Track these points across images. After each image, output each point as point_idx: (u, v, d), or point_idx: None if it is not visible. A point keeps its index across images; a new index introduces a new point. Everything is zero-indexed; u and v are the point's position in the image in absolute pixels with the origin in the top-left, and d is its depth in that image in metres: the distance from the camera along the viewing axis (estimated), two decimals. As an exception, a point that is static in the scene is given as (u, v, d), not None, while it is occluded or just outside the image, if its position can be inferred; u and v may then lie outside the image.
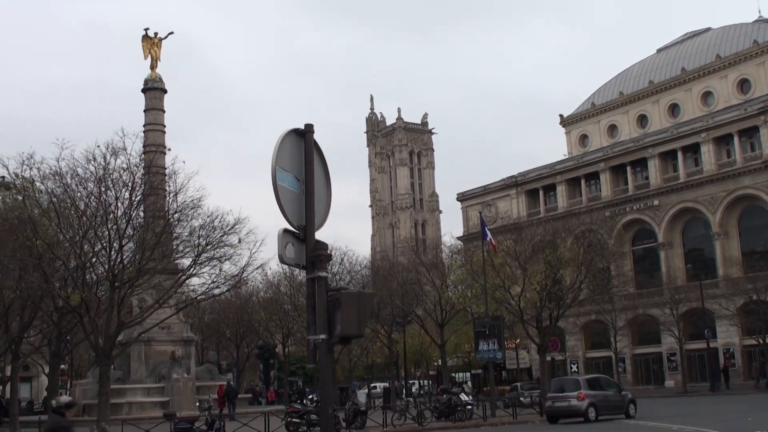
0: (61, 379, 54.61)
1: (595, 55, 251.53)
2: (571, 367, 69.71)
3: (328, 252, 7.57)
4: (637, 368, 69.10)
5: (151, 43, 46.95)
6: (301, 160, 7.44)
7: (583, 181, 75.80)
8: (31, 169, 28.08)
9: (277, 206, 7.20)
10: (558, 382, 35.06)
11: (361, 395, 44.33)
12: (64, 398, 11.59)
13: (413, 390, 62.27)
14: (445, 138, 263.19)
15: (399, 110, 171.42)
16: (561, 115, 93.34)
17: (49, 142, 56.24)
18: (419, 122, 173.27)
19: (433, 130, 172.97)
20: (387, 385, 59.86)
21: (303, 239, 7.33)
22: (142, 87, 47.29)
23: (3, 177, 28.88)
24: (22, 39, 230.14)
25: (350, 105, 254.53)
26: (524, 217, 74.95)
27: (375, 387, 72.01)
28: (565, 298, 46.85)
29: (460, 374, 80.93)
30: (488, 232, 43.91)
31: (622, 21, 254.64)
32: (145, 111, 46.64)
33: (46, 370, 47.38)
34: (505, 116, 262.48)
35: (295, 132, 7.49)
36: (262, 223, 70.00)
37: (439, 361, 63.66)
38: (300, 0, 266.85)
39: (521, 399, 40.65)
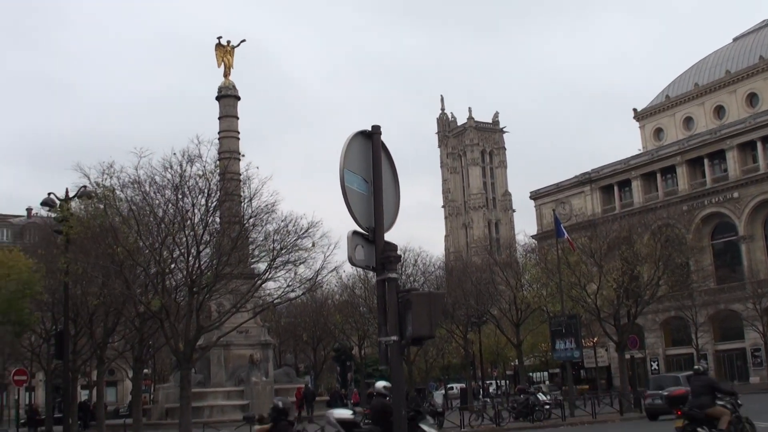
0: (145, 384, 55.91)
1: (670, 46, 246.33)
2: (651, 365, 68.36)
3: (398, 253, 7.56)
4: (720, 365, 67.35)
5: (224, 51, 47.82)
6: (369, 161, 7.43)
7: (658, 176, 74.35)
8: (111, 178, 28.85)
9: (347, 210, 7.23)
10: (657, 380, 35.10)
11: (438, 396, 44.27)
12: (287, 402, 12.14)
13: (490, 390, 61.90)
14: (517, 136, 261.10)
15: (470, 110, 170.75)
16: (635, 109, 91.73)
17: (127, 152, 57.87)
18: (490, 121, 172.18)
19: (504, 129, 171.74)
20: (463, 385, 59.64)
21: (372, 241, 7.33)
22: (216, 95, 48.16)
23: (85, 186, 29.70)
24: (101, 56, 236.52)
25: (420, 106, 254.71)
26: (599, 214, 73.78)
27: (452, 388, 71.82)
28: (642, 295, 45.94)
29: (538, 374, 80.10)
30: (564, 230, 43.42)
31: (697, 9, 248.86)
32: (219, 118, 47.48)
33: (130, 375, 48.63)
34: (577, 112, 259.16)
35: (362, 134, 7.47)
36: (335, 226, 70.03)
37: (516, 361, 63.13)
38: (368, 3, 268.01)
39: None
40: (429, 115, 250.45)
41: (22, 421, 40.60)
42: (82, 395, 54.11)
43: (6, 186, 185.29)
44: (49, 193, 31.83)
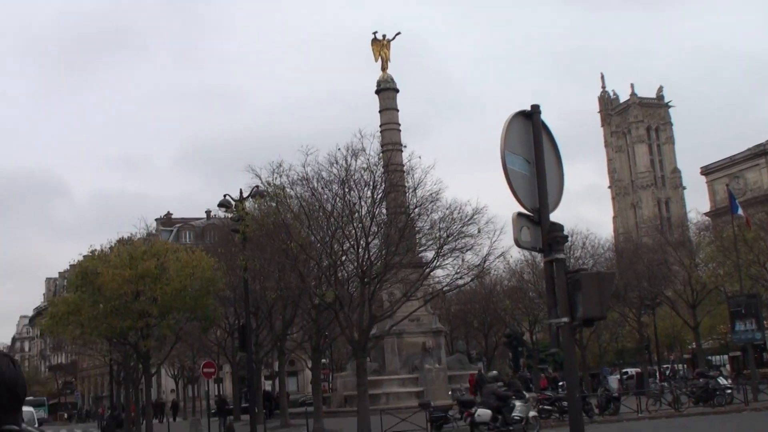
0: (323, 373, 57.78)
1: None
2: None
3: (565, 234, 7.53)
4: None
5: (381, 45, 48.61)
6: (530, 141, 7.42)
7: None
8: (281, 176, 30.08)
9: (509, 192, 7.26)
10: None
11: (613, 381, 43.28)
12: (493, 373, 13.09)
13: (667, 374, 59.75)
14: (683, 110, 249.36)
15: (632, 86, 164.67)
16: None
17: (294, 150, 59.84)
18: (654, 96, 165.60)
19: (669, 103, 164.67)
20: (639, 370, 57.94)
21: (538, 222, 7.34)
22: (375, 89, 49.04)
23: (257, 186, 31.05)
24: (263, 62, 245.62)
25: (579, 86, 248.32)
26: (777, 187, 69.69)
27: (626, 372, 69.88)
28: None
29: (717, 357, 76.61)
30: (739, 206, 41.34)
31: None
32: (379, 111, 48.30)
33: (309, 365, 50.47)
34: (747, 81, 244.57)
35: (522, 114, 7.47)
36: (500, 212, 69.85)
37: (693, 344, 60.71)
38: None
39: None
40: (588, 94, 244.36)
41: (213, 411, 42.94)
42: (266, 385, 56.63)
43: (186, 191, 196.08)
44: (224, 195, 33.44)
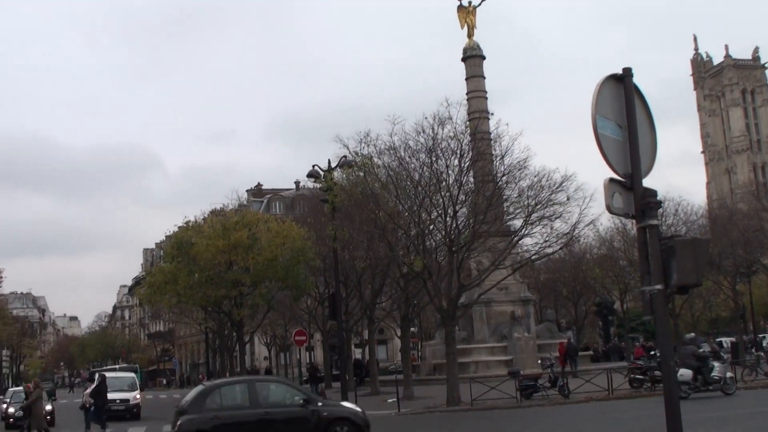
0: (412, 341, 58.24)
1: None
2: None
3: (658, 199, 7.40)
4: None
5: (466, 12, 48.14)
6: (622, 106, 7.29)
7: None
8: (368, 146, 30.31)
9: (601, 157, 7.17)
10: None
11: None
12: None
13: (763, 344, 58.02)
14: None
15: (726, 47, 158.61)
16: None
17: (381, 120, 60.05)
18: (749, 58, 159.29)
19: (766, 65, 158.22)
20: (733, 339, 56.49)
21: (630, 187, 7.24)
22: (461, 56, 48.64)
23: (345, 156, 31.33)
24: (349, 32, 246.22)
25: (671, 49, 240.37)
26: None
27: (720, 342, 68.18)
28: None
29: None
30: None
31: None
32: (466, 79, 47.92)
33: (398, 333, 50.94)
34: None
35: (614, 78, 7.34)
36: (588, 179, 68.81)
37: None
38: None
39: None
40: (680, 57, 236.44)
41: (304, 378, 43.85)
42: (356, 353, 57.42)
43: (275, 163, 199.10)
44: (313, 166, 33.85)
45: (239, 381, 21.26)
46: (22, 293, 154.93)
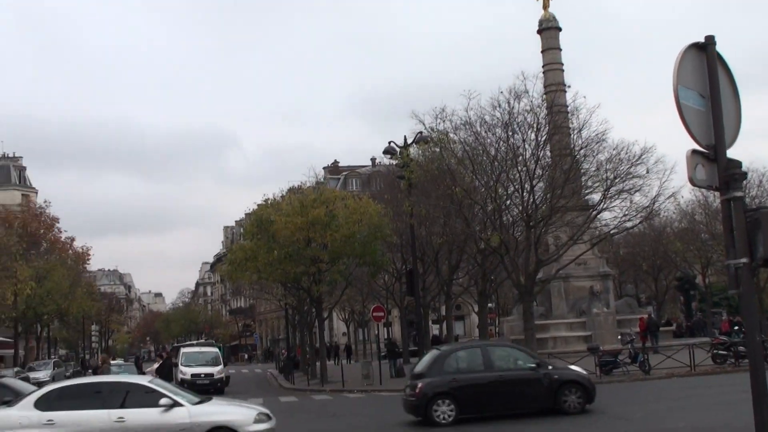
0: (490, 317, 58.15)
1: None
2: None
3: (743, 170, 7.22)
4: None
5: (542, -18, 47.34)
6: (704, 75, 7.12)
7: None
8: (444, 122, 30.28)
9: (683, 128, 7.04)
10: None
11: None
12: None
13: None
14: None
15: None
16: None
17: (457, 95, 59.77)
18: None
19: None
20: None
21: (713, 159, 7.08)
22: (536, 29, 47.93)
23: (421, 132, 31.33)
24: (420, 6, 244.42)
25: (751, 17, 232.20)
26: None
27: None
28: None
29: None
30: None
31: None
32: (542, 52, 47.21)
33: (475, 309, 50.90)
34: None
35: (696, 46, 7.16)
36: (669, 151, 67.34)
37: None
38: None
39: None
40: (761, 25, 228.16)
41: (383, 354, 44.19)
42: (434, 329, 57.59)
43: (351, 140, 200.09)
44: (389, 142, 33.93)
45: (474, 346, 22.12)
46: (109, 270, 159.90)
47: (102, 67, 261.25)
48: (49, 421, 13.11)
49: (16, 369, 50.21)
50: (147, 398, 13.69)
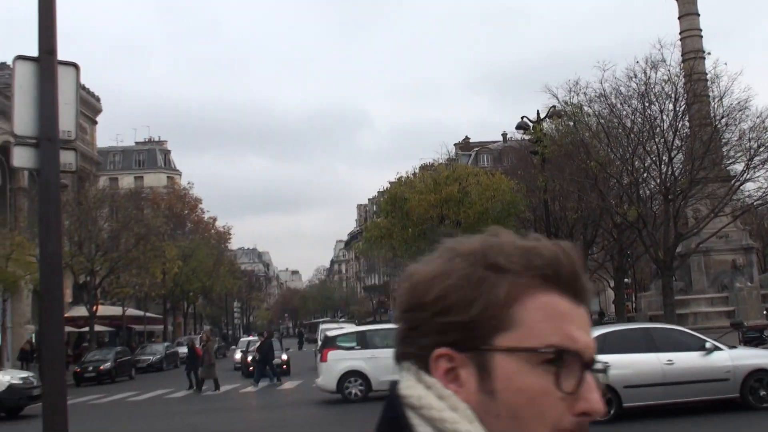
0: (626, 293, 57.07)
1: None
2: None
3: None
4: None
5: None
6: None
7: None
8: (578, 94, 29.95)
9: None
10: None
11: None
12: None
13: None
14: None
15: None
16: None
17: (590, 67, 58.62)
18: None
19: None
20: None
21: None
22: (673, -4, 46.44)
23: (554, 106, 31.11)
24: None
25: None
26: None
27: None
28: None
29: None
30: None
31: None
32: (678, 18, 45.71)
33: (611, 285, 50.13)
34: None
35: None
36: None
37: None
38: None
39: None
40: None
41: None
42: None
43: (480, 115, 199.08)
44: (522, 117, 33.81)
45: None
46: (248, 249, 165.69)
47: (236, 52, 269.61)
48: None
49: (166, 344, 52.98)
50: (690, 342, 14.83)
